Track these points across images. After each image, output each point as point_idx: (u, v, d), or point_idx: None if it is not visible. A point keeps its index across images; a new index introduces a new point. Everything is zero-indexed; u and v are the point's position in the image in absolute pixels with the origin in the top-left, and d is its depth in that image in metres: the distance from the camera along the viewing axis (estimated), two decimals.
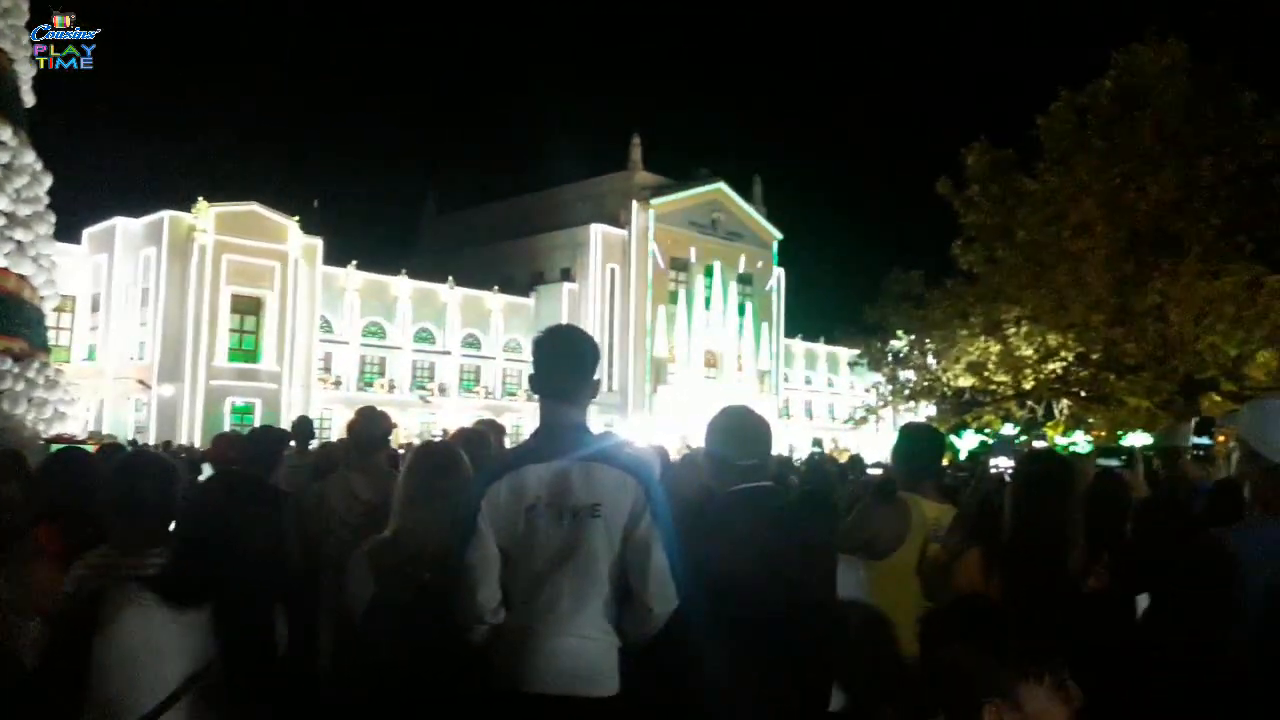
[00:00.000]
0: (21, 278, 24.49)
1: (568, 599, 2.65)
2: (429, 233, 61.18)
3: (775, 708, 2.80)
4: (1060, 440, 26.25)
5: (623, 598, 2.72)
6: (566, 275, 48.95)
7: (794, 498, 5.40)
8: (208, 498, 2.60)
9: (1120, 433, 23.69)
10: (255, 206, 38.11)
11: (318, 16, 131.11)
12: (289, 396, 37.75)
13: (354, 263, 42.23)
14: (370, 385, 41.84)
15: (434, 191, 64.13)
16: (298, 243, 38.81)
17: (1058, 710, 1.73)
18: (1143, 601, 3.92)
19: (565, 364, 2.85)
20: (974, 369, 24.73)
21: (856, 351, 29.35)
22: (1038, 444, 22.35)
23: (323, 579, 4.08)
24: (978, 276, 24.02)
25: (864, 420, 28.81)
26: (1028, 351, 23.89)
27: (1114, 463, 4.65)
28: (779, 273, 56.59)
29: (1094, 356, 23.09)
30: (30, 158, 25.02)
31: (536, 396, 2.86)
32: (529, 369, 2.92)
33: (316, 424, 18.47)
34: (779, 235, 56.18)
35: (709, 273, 51.78)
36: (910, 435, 4.03)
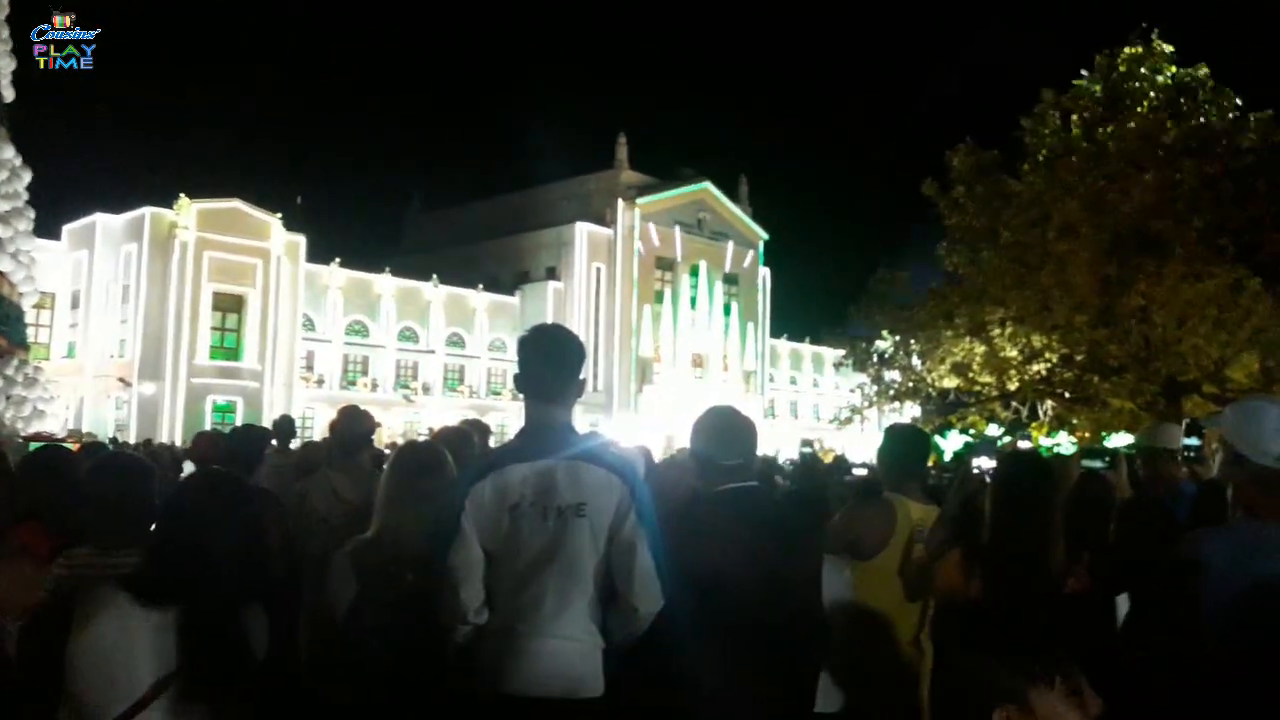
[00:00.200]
0: (0, 274, 24.30)
1: (551, 599, 2.64)
2: (413, 231, 61.02)
3: (761, 708, 2.79)
4: (1045, 441, 26.38)
5: (608, 599, 2.71)
6: (552, 274, 48.90)
7: (780, 497, 5.40)
8: (184, 497, 2.58)
9: (1104, 434, 23.83)
10: (237, 203, 37.92)
11: (303, 15, 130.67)
12: (271, 395, 37.58)
13: (337, 260, 42.08)
14: (353, 384, 41.70)
15: (418, 189, 64.06)
16: (280, 240, 38.62)
17: (1072, 717, 1.72)
18: (1124, 603, 3.94)
19: (550, 363, 2.84)
20: (958, 370, 24.83)
21: (842, 352, 29.44)
22: (1023, 444, 22.48)
23: (304, 579, 4.05)
24: (963, 278, 24.12)
25: (849, 421, 28.87)
26: (1012, 353, 24.00)
27: (1098, 464, 4.64)
28: (765, 273, 56.71)
29: (1078, 358, 23.21)
30: (9, 153, 24.87)
31: (521, 396, 2.85)
32: (514, 368, 2.92)
33: (298, 423, 18.40)
34: (765, 235, 56.32)
35: (694, 272, 51.84)
36: (896, 436, 4.04)
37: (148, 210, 36.61)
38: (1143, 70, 20.97)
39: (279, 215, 38.87)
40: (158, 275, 36.11)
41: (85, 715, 2.13)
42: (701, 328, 51.67)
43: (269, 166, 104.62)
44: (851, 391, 30.04)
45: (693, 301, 51.59)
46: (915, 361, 26.12)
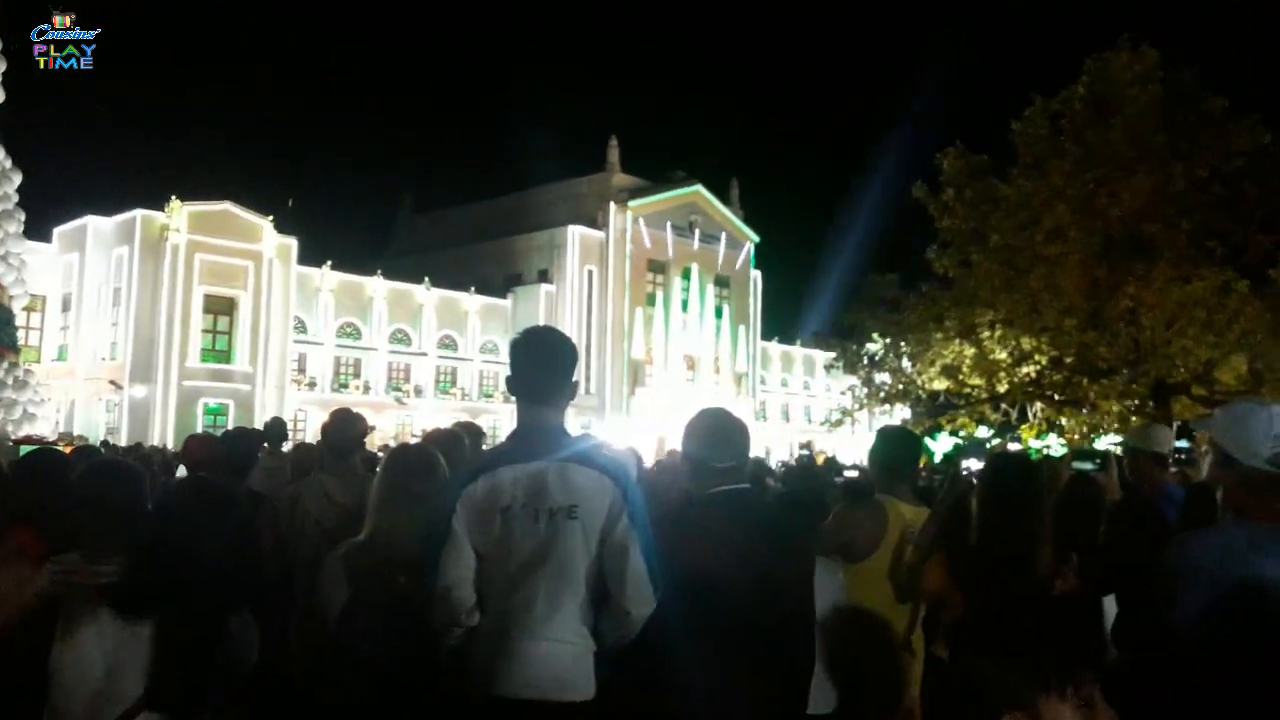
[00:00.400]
0: None
1: (543, 601, 2.64)
2: (405, 233, 60.91)
3: (753, 711, 2.79)
4: (1034, 443, 26.46)
5: (599, 601, 2.71)
6: (544, 277, 48.85)
7: (772, 499, 5.40)
8: (170, 506, 2.57)
9: (1093, 436, 23.92)
10: (229, 206, 37.81)
11: (295, 17, 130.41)
12: (262, 398, 37.46)
13: (329, 263, 41.96)
14: (345, 387, 41.59)
15: (410, 192, 63.89)
16: (272, 242, 38.53)
17: None
18: (1111, 605, 3.96)
19: (543, 366, 2.84)
20: (948, 372, 24.90)
21: (833, 354, 29.48)
22: (1013, 447, 22.56)
23: (297, 582, 4.05)
24: (953, 281, 24.19)
25: (840, 423, 28.93)
26: (1002, 355, 24.09)
27: (1088, 466, 4.67)
28: (756, 275, 56.75)
29: (1067, 360, 23.31)
30: None
31: (513, 399, 2.85)
32: (506, 371, 2.92)
33: (290, 425, 18.35)
34: (756, 238, 56.35)
35: (686, 275, 51.87)
36: (888, 438, 4.05)
37: (139, 213, 36.48)
38: (1129, 75, 21.06)
39: (270, 218, 38.79)
40: (149, 278, 35.98)
41: None
42: (693, 330, 51.69)
43: (260, 169, 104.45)
44: (842, 394, 30.08)
45: (684, 304, 51.61)
46: (905, 364, 26.20)
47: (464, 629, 2.69)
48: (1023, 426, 26.50)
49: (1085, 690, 1.74)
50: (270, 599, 3.79)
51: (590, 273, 48.61)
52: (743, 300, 55.36)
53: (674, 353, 50.71)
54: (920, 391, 26.09)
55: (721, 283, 54.05)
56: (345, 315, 42.64)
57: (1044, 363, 23.93)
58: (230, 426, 20.95)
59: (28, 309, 32.83)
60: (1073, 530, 3.86)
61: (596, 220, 49.27)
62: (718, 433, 3.03)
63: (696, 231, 52.73)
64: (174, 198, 36.52)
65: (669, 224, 51.31)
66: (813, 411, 59.05)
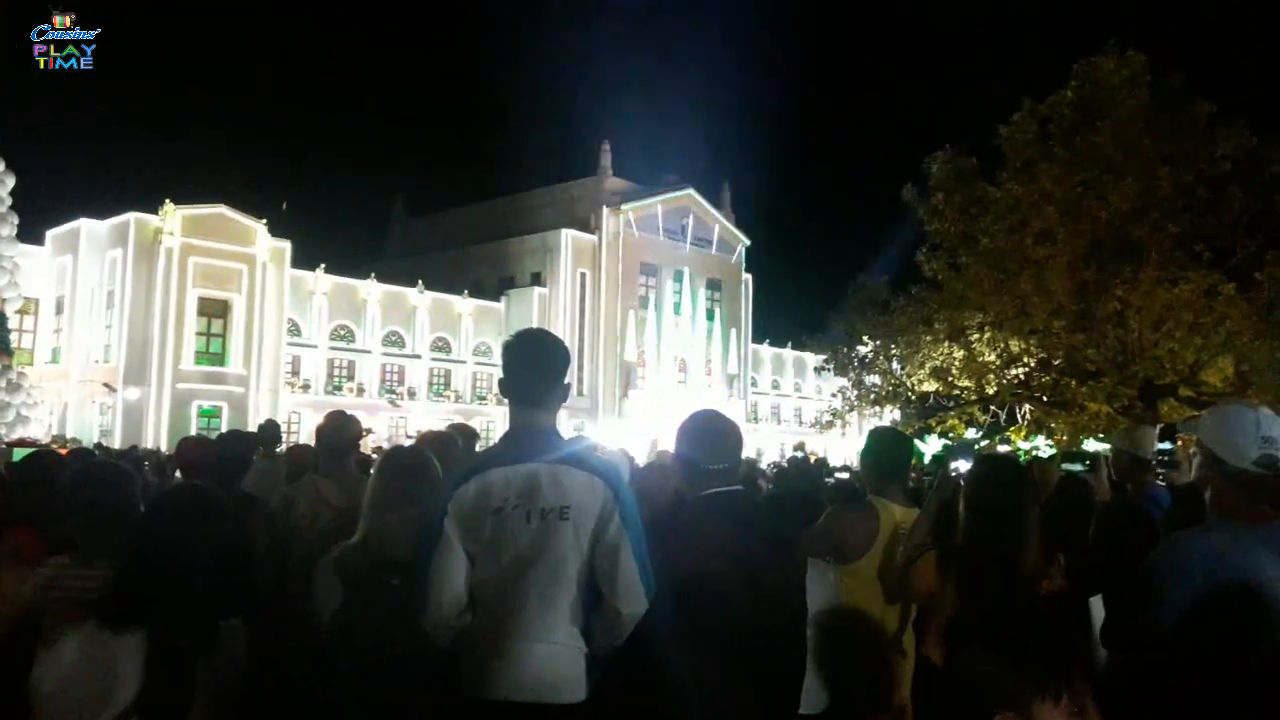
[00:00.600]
0: None
1: (535, 602, 2.64)
2: (398, 236, 60.81)
3: (746, 712, 2.81)
4: (1023, 445, 26.54)
5: (591, 603, 2.71)
6: (537, 280, 48.83)
7: (763, 501, 5.43)
8: (158, 514, 2.58)
9: (1081, 437, 23.99)
10: (222, 209, 37.73)
11: (289, 20, 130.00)
12: (256, 400, 37.37)
13: (322, 266, 41.90)
14: (339, 389, 41.51)
15: (403, 195, 63.79)
16: (265, 245, 38.44)
17: None
18: (1098, 605, 4.00)
19: (535, 368, 2.85)
20: (938, 374, 24.96)
21: (823, 357, 29.51)
22: (1002, 448, 22.63)
23: (292, 584, 4.06)
24: (942, 283, 24.25)
25: (831, 424, 28.96)
26: (990, 357, 24.16)
27: (1078, 467, 4.71)
28: (747, 278, 56.81)
29: (1056, 362, 23.39)
30: None
31: (506, 401, 2.87)
32: (499, 373, 2.93)
33: (284, 428, 18.32)
34: (747, 241, 56.42)
35: (678, 278, 51.89)
36: (879, 439, 4.06)
37: (132, 215, 36.37)
38: (1117, 80, 21.15)
39: (264, 221, 38.69)
40: (142, 280, 35.87)
41: None
42: (685, 332, 51.71)
43: (254, 172, 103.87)
44: (833, 396, 30.07)
45: (676, 307, 51.63)
46: (895, 366, 26.23)
47: (455, 630, 2.69)
48: (1011, 428, 26.57)
49: (1080, 697, 1.76)
50: (265, 602, 3.81)
51: (583, 275, 48.62)
52: (734, 303, 55.41)
53: (666, 355, 50.72)
54: (910, 393, 26.13)
55: (713, 285, 54.11)
56: (339, 318, 42.58)
57: (1032, 365, 24.01)
58: (224, 429, 20.90)
59: (21, 311, 32.72)
60: (1062, 531, 3.89)
61: (589, 223, 49.28)
62: (710, 435, 3.04)
63: (688, 234, 52.77)
64: (168, 200, 36.45)
65: (661, 227, 51.35)
66: (804, 413, 59.14)
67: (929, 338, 24.56)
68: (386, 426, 40.21)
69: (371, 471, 3.27)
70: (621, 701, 2.78)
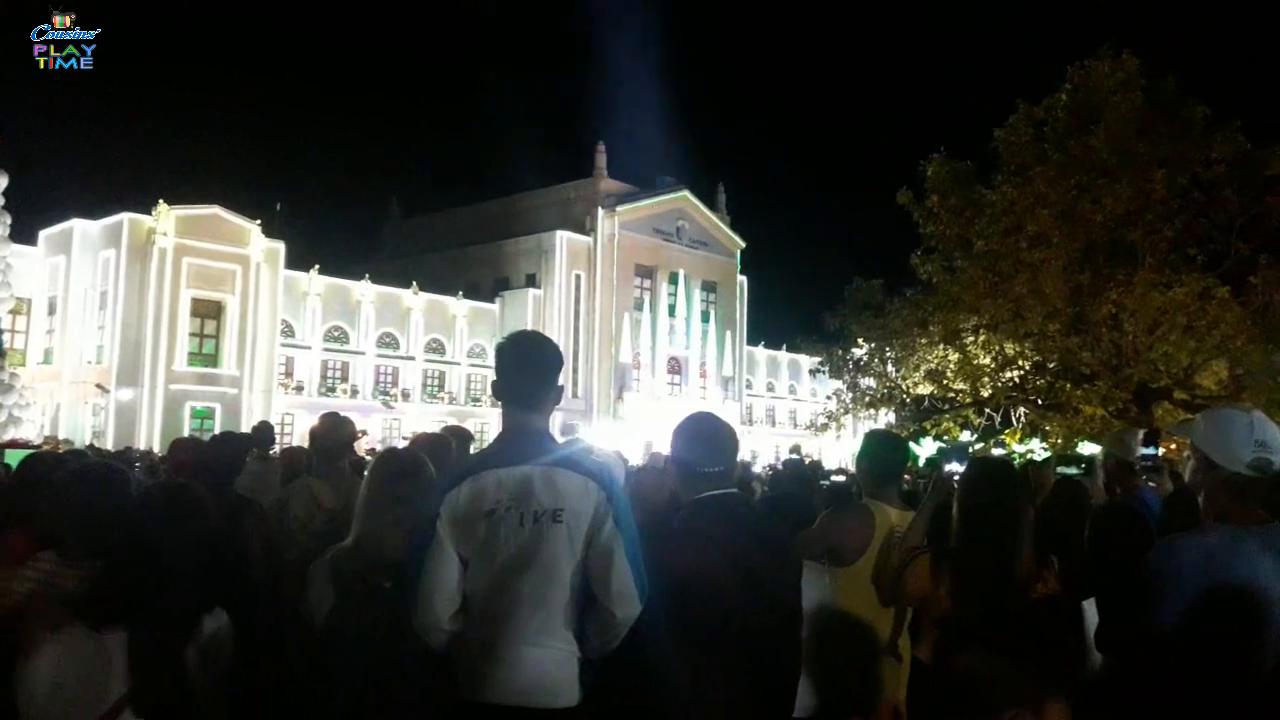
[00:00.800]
0: None
1: (527, 605, 2.63)
2: (393, 237, 60.79)
3: (741, 715, 2.80)
4: (1018, 448, 26.58)
5: (585, 606, 2.70)
6: (532, 281, 48.87)
7: (759, 503, 5.43)
8: (138, 513, 2.56)
9: (1076, 440, 24.04)
10: (216, 209, 37.71)
11: (284, 21, 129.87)
12: (249, 401, 37.33)
13: (316, 267, 41.88)
14: (332, 391, 41.48)
15: (398, 196, 63.80)
16: (259, 246, 38.43)
17: None
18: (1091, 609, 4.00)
19: (528, 370, 2.84)
20: (933, 377, 25.02)
21: (818, 359, 29.55)
22: (996, 451, 22.66)
23: (285, 586, 4.04)
24: (937, 286, 24.30)
25: (825, 427, 29.01)
26: (985, 360, 24.22)
27: (1073, 470, 4.70)
28: (742, 281, 56.90)
29: (1050, 365, 23.46)
30: None
31: (500, 403, 2.86)
32: (493, 375, 2.92)
33: (277, 429, 18.29)
34: (742, 243, 56.50)
35: (673, 280, 51.95)
36: (875, 441, 4.06)
37: (126, 216, 36.35)
38: (1112, 83, 21.22)
39: (258, 221, 38.70)
40: (136, 281, 35.83)
41: None
42: (680, 335, 51.78)
43: (248, 173, 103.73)
44: (828, 398, 30.13)
45: (671, 309, 51.70)
46: (890, 368, 26.29)
47: (447, 633, 2.68)
48: (1006, 431, 26.62)
49: (1072, 700, 1.76)
50: (258, 604, 3.79)
51: (578, 277, 48.65)
52: (729, 305, 55.49)
53: (661, 357, 50.77)
54: (905, 396, 26.20)
55: (708, 287, 54.20)
56: (333, 319, 42.56)
57: (1027, 367, 24.08)
58: (217, 430, 20.86)
59: (13, 312, 32.63)
60: (1057, 534, 3.89)
61: (584, 225, 49.33)
62: (706, 437, 3.04)
63: (683, 236, 52.84)
64: (161, 201, 36.43)
65: (656, 229, 51.42)
66: (799, 416, 59.22)
67: (924, 340, 24.63)
68: (380, 428, 40.18)
69: (364, 473, 3.26)
70: (615, 705, 2.77)
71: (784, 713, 3.01)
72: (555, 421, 2.91)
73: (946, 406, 25.90)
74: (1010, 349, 23.63)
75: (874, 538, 3.67)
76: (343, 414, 5.14)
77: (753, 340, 58.92)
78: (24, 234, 34.28)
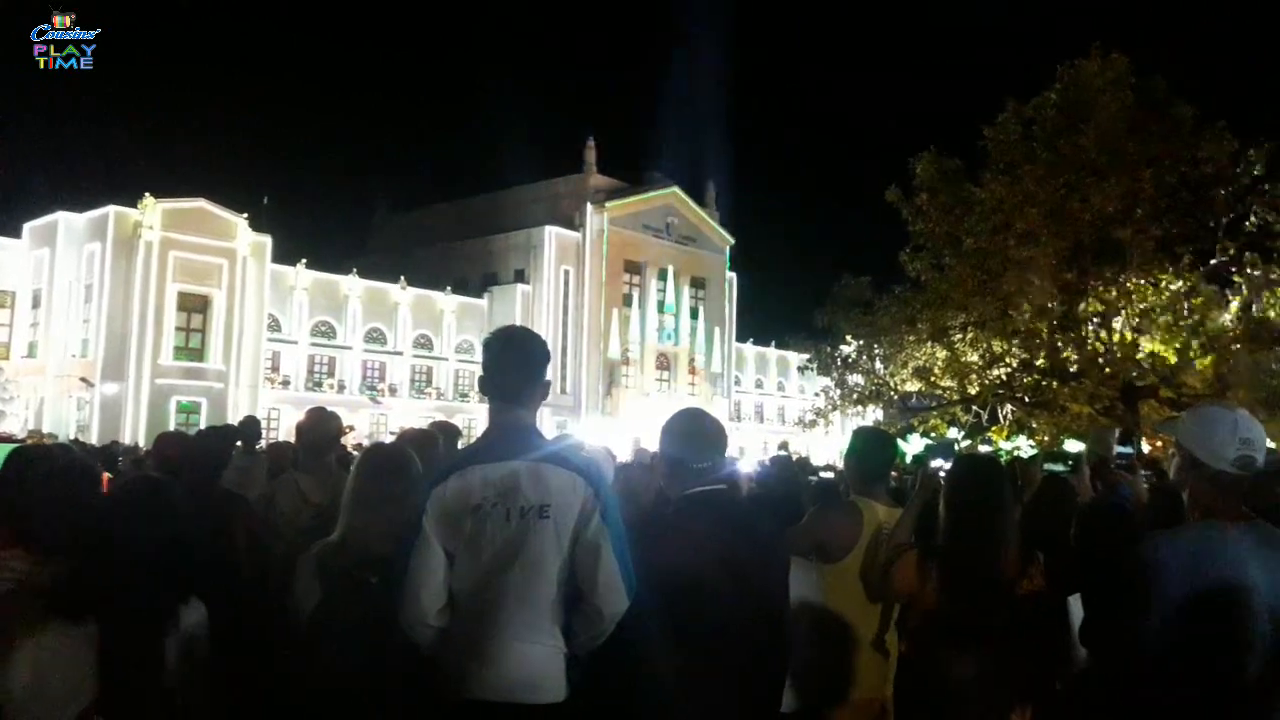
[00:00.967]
0: None
1: (514, 601, 2.63)
2: (380, 232, 60.58)
3: (729, 711, 2.80)
4: (1005, 445, 26.71)
5: (572, 602, 2.70)
6: (520, 277, 48.78)
7: (746, 500, 5.43)
8: (112, 509, 2.55)
9: (1062, 438, 24.17)
10: (203, 203, 37.50)
11: (270, 16, 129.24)
12: (235, 396, 37.17)
13: (303, 261, 41.69)
14: (319, 386, 41.34)
15: (386, 190, 63.59)
16: (246, 240, 38.24)
17: None
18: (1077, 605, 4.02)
19: (514, 365, 2.84)
20: (920, 374, 25.12)
21: (806, 356, 29.62)
22: (983, 448, 22.75)
23: (271, 582, 4.03)
24: (925, 283, 24.38)
25: (814, 424, 29.09)
26: (973, 357, 24.32)
27: (1060, 468, 4.73)
28: (731, 277, 56.95)
29: (1038, 363, 23.56)
30: None
31: (487, 398, 2.85)
32: (481, 370, 2.91)
33: (263, 424, 18.21)
34: (731, 240, 56.55)
35: (662, 276, 51.96)
36: (864, 438, 4.07)
37: (111, 209, 36.10)
38: (1101, 82, 21.31)
39: (245, 215, 38.49)
40: (121, 275, 35.61)
41: None
42: (669, 331, 51.80)
43: (235, 166, 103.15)
44: (816, 395, 30.21)
45: (660, 305, 51.70)
46: (878, 365, 26.38)
47: (435, 629, 2.68)
48: (993, 428, 26.74)
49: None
50: (243, 599, 3.78)
51: (567, 273, 48.61)
52: (718, 301, 55.53)
53: (650, 353, 50.78)
54: (893, 393, 26.29)
55: (697, 284, 54.22)
56: (320, 314, 42.40)
57: (1014, 365, 24.19)
58: (203, 425, 20.77)
59: None
60: (1044, 531, 3.91)
61: (573, 221, 49.26)
62: (695, 433, 3.03)
63: (673, 233, 52.84)
64: (147, 194, 36.18)
65: (645, 225, 51.42)
66: (787, 412, 59.34)
67: (912, 338, 24.72)
68: (367, 424, 40.08)
69: (351, 469, 3.24)
70: (603, 700, 2.76)
71: (772, 708, 3.01)
72: (543, 417, 2.90)
73: (934, 403, 26.02)
74: (998, 346, 23.74)
75: (862, 534, 3.67)
76: (329, 409, 5.11)
77: (741, 337, 59.04)
78: (8, 226, 34.16)
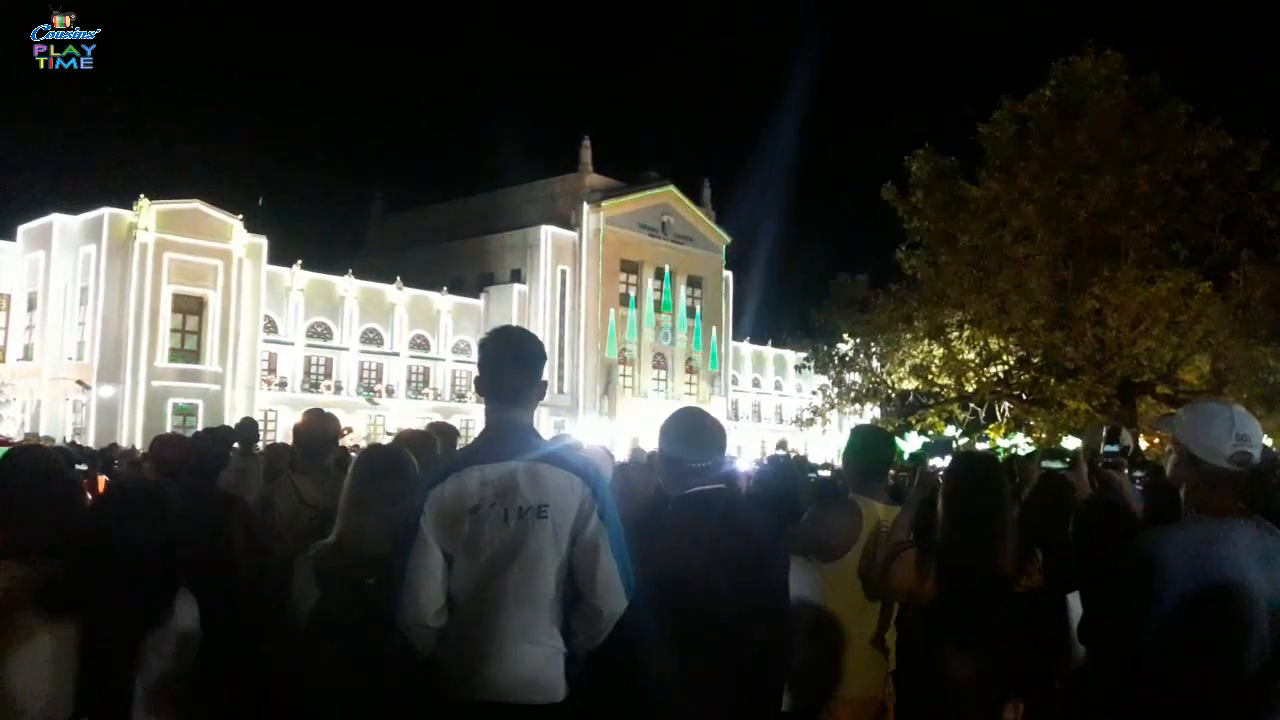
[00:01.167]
0: None
1: (512, 602, 2.62)
2: (376, 233, 60.52)
3: (728, 711, 2.80)
4: (1002, 442, 26.74)
5: (570, 602, 2.70)
6: (517, 277, 48.75)
7: (745, 499, 5.41)
8: (101, 512, 2.54)
9: (1060, 434, 24.21)
10: (198, 204, 37.43)
11: (264, 17, 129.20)
12: (232, 398, 37.10)
13: (299, 262, 41.61)
14: (316, 387, 41.29)
15: (382, 191, 63.44)
16: (241, 241, 38.17)
17: None
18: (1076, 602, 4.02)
19: (511, 365, 2.83)
20: (917, 372, 25.14)
21: (804, 354, 29.64)
22: (981, 446, 22.79)
23: (269, 583, 4.02)
24: (922, 281, 24.39)
25: (811, 422, 29.11)
26: (970, 355, 24.34)
27: (1058, 465, 4.73)
28: (728, 276, 56.95)
29: (1034, 360, 23.61)
30: None
31: (483, 399, 2.84)
32: (477, 371, 2.91)
33: (260, 426, 18.18)
34: (728, 238, 56.53)
35: (659, 275, 51.96)
36: (862, 437, 4.06)
37: (106, 211, 36.03)
38: (1095, 80, 21.34)
39: (240, 217, 38.42)
40: (117, 277, 35.54)
41: None
42: (666, 330, 51.80)
43: (230, 168, 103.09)
44: (813, 393, 30.22)
45: (657, 304, 51.69)
46: (875, 364, 26.40)
47: (433, 631, 2.67)
48: (991, 426, 26.79)
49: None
50: (241, 600, 3.77)
51: (563, 273, 48.57)
52: (715, 300, 55.52)
53: (647, 353, 50.78)
54: (890, 391, 26.32)
55: (694, 283, 54.21)
56: (316, 315, 42.33)
57: (1011, 362, 24.23)
58: (200, 427, 20.72)
59: None
60: (1042, 528, 3.91)
61: (569, 220, 49.23)
62: (693, 432, 3.03)
63: (669, 232, 52.83)
64: (142, 195, 36.12)
65: (642, 224, 51.40)
66: (784, 411, 59.35)
67: (909, 335, 24.74)
68: (364, 425, 40.03)
69: (348, 470, 3.24)
70: (603, 700, 2.76)
71: (772, 708, 3.00)
72: (540, 417, 2.90)
73: (931, 401, 26.04)
74: (994, 344, 23.76)
75: (860, 533, 3.67)
76: (327, 410, 5.10)
77: (738, 336, 59.04)
78: (2, 229, 34.07)
